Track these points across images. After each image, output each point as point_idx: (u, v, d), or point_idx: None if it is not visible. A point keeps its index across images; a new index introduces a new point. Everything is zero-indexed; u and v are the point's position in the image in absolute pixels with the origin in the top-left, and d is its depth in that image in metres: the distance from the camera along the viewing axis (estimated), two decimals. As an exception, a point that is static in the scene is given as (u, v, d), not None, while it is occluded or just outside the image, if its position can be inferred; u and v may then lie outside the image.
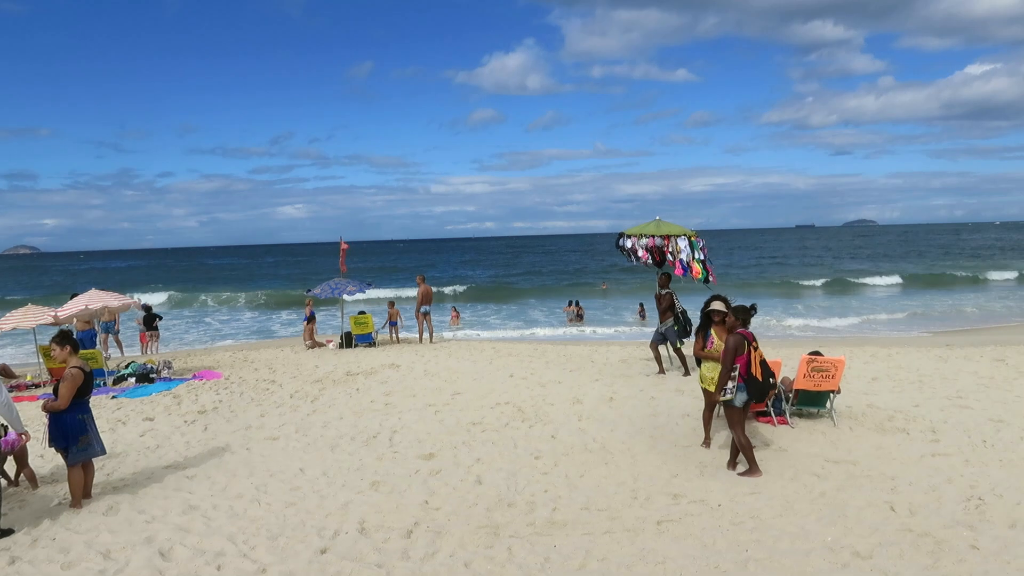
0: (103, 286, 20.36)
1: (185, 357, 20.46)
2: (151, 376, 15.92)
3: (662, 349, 15.08)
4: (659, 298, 14.44)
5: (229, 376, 16.30)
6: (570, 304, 30.31)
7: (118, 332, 21.13)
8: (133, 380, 15.75)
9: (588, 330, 26.39)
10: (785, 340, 21.13)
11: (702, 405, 9.92)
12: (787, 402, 10.43)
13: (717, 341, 8.85)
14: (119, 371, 16.34)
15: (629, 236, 14.71)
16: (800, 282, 46.23)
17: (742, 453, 8.32)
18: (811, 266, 62.15)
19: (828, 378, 10.21)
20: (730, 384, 8.15)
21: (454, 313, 30.11)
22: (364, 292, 21.77)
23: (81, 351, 10.19)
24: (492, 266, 78.98)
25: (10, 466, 8.76)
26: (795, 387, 10.34)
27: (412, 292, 28.87)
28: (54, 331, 17.02)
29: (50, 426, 7.77)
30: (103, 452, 8.14)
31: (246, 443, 10.39)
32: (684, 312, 14.44)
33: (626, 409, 11.58)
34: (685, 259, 14.40)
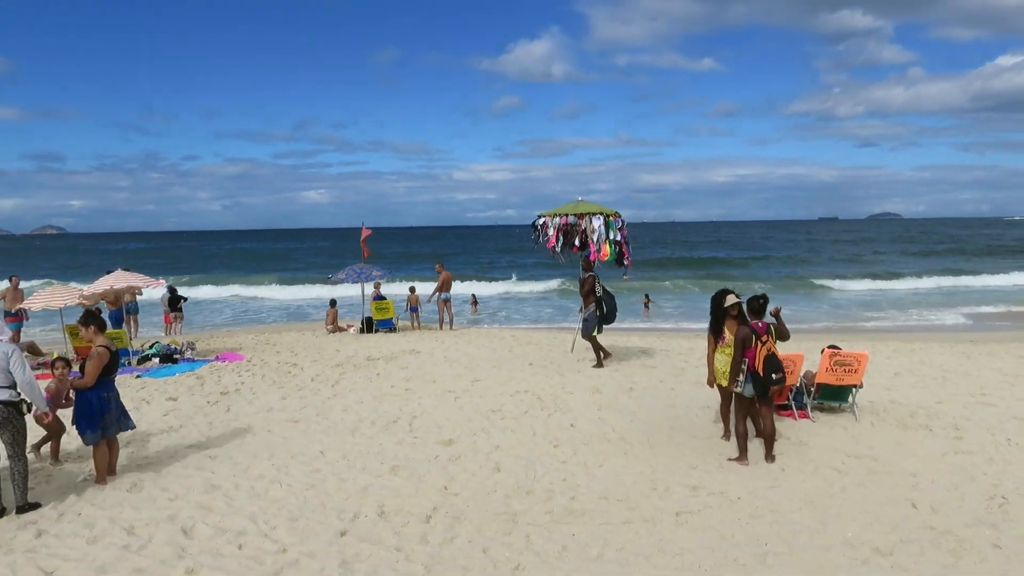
0: (130, 267, 20.38)
1: (208, 339, 20.58)
2: (175, 357, 15.99)
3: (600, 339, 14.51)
4: (581, 282, 14.04)
5: (251, 358, 16.35)
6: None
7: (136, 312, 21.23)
8: (157, 360, 15.80)
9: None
10: (809, 333, 20.90)
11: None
12: (808, 396, 10.35)
13: (729, 336, 8.79)
14: (143, 351, 16.42)
15: (543, 216, 14.33)
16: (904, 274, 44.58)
17: (737, 439, 8.50)
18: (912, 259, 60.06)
19: (851, 372, 10.11)
20: (740, 376, 8.26)
21: (473, 300, 30.06)
22: (389, 274, 21.79)
23: (107, 331, 10.31)
24: (509, 251, 78.87)
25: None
26: (817, 381, 10.26)
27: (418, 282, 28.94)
28: (80, 311, 17.13)
29: (75, 404, 7.88)
30: (133, 426, 8.26)
31: (267, 425, 10.45)
32: (606, 296, 13.91)
33: (645, 399, 11.53)
34: (597, 239, 13.91)
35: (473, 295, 31.11)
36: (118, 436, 8.19)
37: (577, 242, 14.25)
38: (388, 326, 21.08)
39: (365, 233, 22.22)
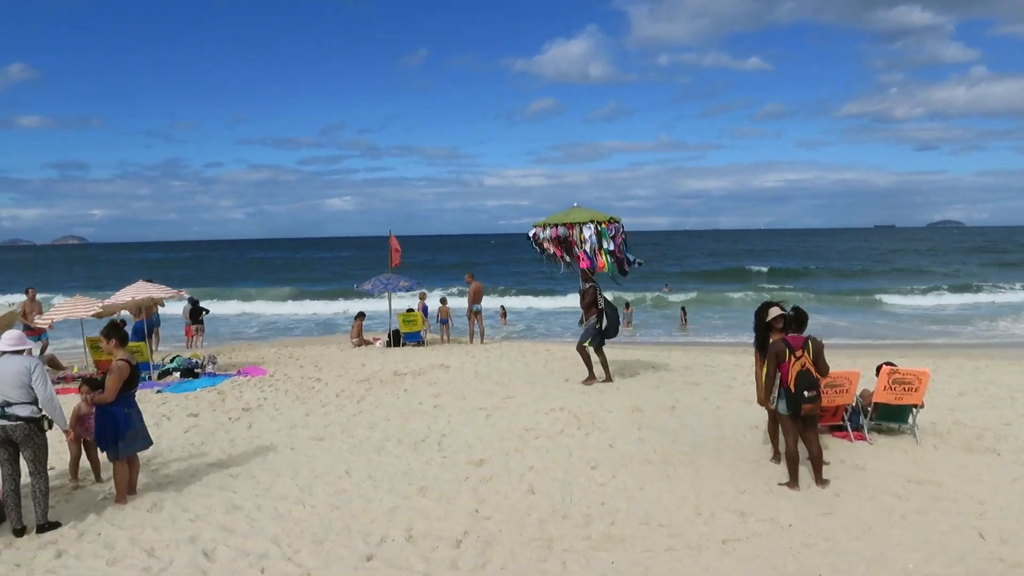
0: (151, 277, 20.61)
1: (230, 352, 20.72)
2: (195, 371, 16.13)
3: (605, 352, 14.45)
4: (582, 294, 13.91)
5: (274, 373, 16.42)
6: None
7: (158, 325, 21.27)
8: (178, 375, 15.97)
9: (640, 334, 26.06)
10: (866, 349, 20.55)
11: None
12: (865, 416, 10.17)
13: None
14: (164, 365, 16.56)
15: (536, 226, 14.10)
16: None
17: (787, 462, 8.33)
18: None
19: (911, 391, 9.92)
20: (774, 392, 8.23)
21: (502, 313, 30.00)
22: (418, 286, 21.68)
23: (129, 344, 10.47)
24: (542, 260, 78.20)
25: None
26: (874, 400, 10.07)
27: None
28: (101, 323, 17.34)
29: (96, 420, 7.96)
30: (150, 444, 8.32)
31: (291, 442, 10.49)
32: (608, 308, 13.78)
33: (689, 419, 11.40)
34: (590, 249, 13.64)
35: (502, 307, 31.07)
36: (137, 455, 8.29)
37: (568, 253, 14.13)
38: (416, 339, 21.06)
39: (395, 244, 22.16)
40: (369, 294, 21.27)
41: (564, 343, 22.65)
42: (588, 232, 13.66)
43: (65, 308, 16.28)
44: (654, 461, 9.30)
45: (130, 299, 16.22)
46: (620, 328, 14.71)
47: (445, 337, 22.05)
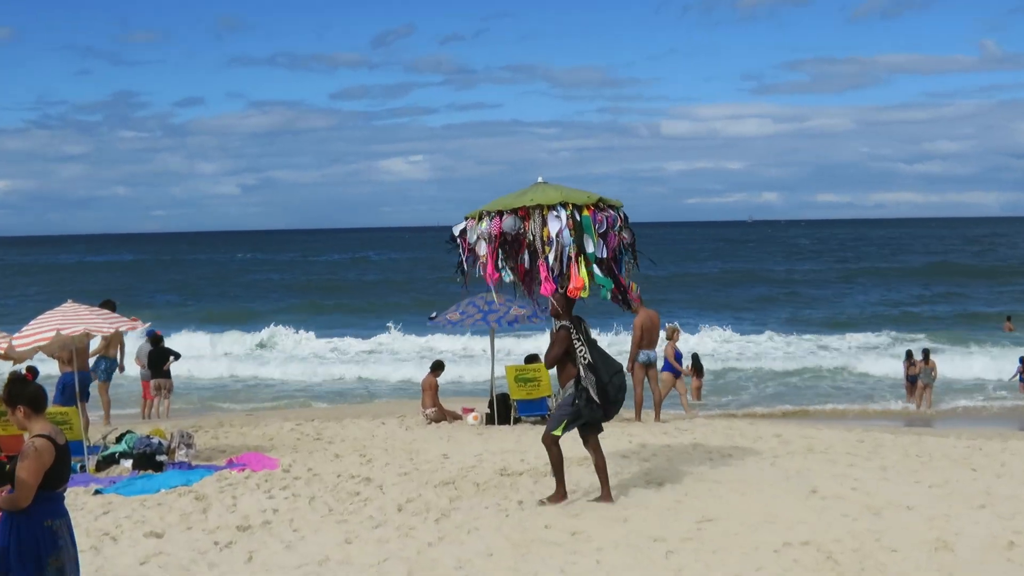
0: (84, 296, 18.19)
1: (215, 427, 18.96)
2: (158, 458, 14.63)
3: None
4: (552, 339, 11.24)
5: (290, 465, 14.72)
6: (910, 359, 25.07)
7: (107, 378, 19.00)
8: (128, 463, 14.54)
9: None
10: None
11: None
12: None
13: None
14: (105, 445, 15.12)
15: (468, 218, 11.59)
16: None
17: None
18: None
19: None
20: None
21: (694, 369, 24.52)
22: (539, 317, 18.82)
23: (50, 408, 8.90)
24: (768, 276, 67.23)
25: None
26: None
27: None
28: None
29: (1, 537, 6.93)
30: None
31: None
32: (601, 362, 11.03)
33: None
34: (555, 258, 11.14)
35: (695, 357, 25.21)
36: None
37: (526, 261, 11.42)
38: (539, 412, 18.30)
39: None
40: (452, 330, 18.35)
41: (801, 420, 20.65)
42: (556, 225, 10.89)
43: None
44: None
45: (55, 332, 14.50)
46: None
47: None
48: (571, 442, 12.19)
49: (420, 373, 21.74)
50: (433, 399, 18.94)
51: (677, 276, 64.60)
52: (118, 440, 15.04)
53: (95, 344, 17.95)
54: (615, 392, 11.18)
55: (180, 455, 14.81)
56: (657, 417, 18.70)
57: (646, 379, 18.58)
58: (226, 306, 51.99)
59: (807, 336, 36.76)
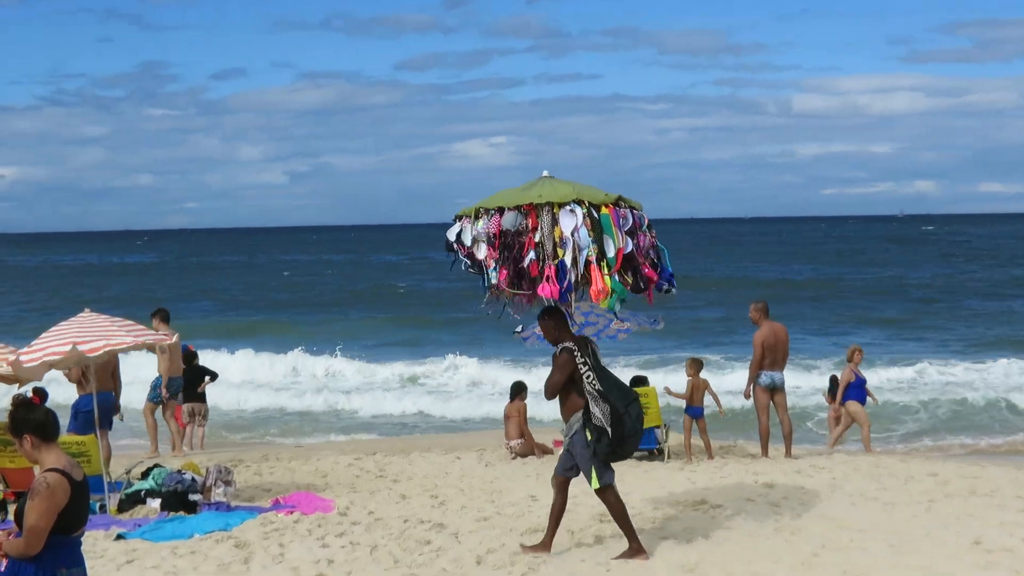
0: (100, 306, 17.33)
1: (258, 461, 18.09)
2: (191, 498, 13.97)
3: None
4: (555, 364, 10.63)
5: (348, 508, 13.90)
6: None
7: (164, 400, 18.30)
8: (157, 504, 13.90)
9: None
10: None
11: None
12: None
13: None
14: (129, 481, 14.57)
15: (460, 217, 10.92)
16: None
17: None
18: None
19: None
20: None
21: (831, 396, 23.25)
22: (655, 326, 17.16)
23: (64, 437, 9.19)
24: (923, 283, 61.96)
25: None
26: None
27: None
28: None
29: None
30: None
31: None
32: (615, 391, 10.31)
33: None
34: (569, 260, 10.55)
35: (832, 380, 23.03)
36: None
37: (527, 263, 10.63)
38: (647, 446, 16.80)
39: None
40: (543, 347, 17.04)
41: (965, 458, 19.32)
42: (569, 223, 10.14)
43: None
44: None
45: (71, 346, 13.61)
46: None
47: (709, 442, 17.78)
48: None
49: (500, 402, 20.77)
50: (519, 429, 17.57)
51: (813, 282, 61.98)
52: (144, 475, 14.43)
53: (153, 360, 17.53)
54: (632, 423, 10.57)
55: (217, 494, 14.18)
56: (788, 452, 17.32)
57: (772, 406, 17.26)
58: (266, 315, 49.97)
59: (969, 357, 34.96)
